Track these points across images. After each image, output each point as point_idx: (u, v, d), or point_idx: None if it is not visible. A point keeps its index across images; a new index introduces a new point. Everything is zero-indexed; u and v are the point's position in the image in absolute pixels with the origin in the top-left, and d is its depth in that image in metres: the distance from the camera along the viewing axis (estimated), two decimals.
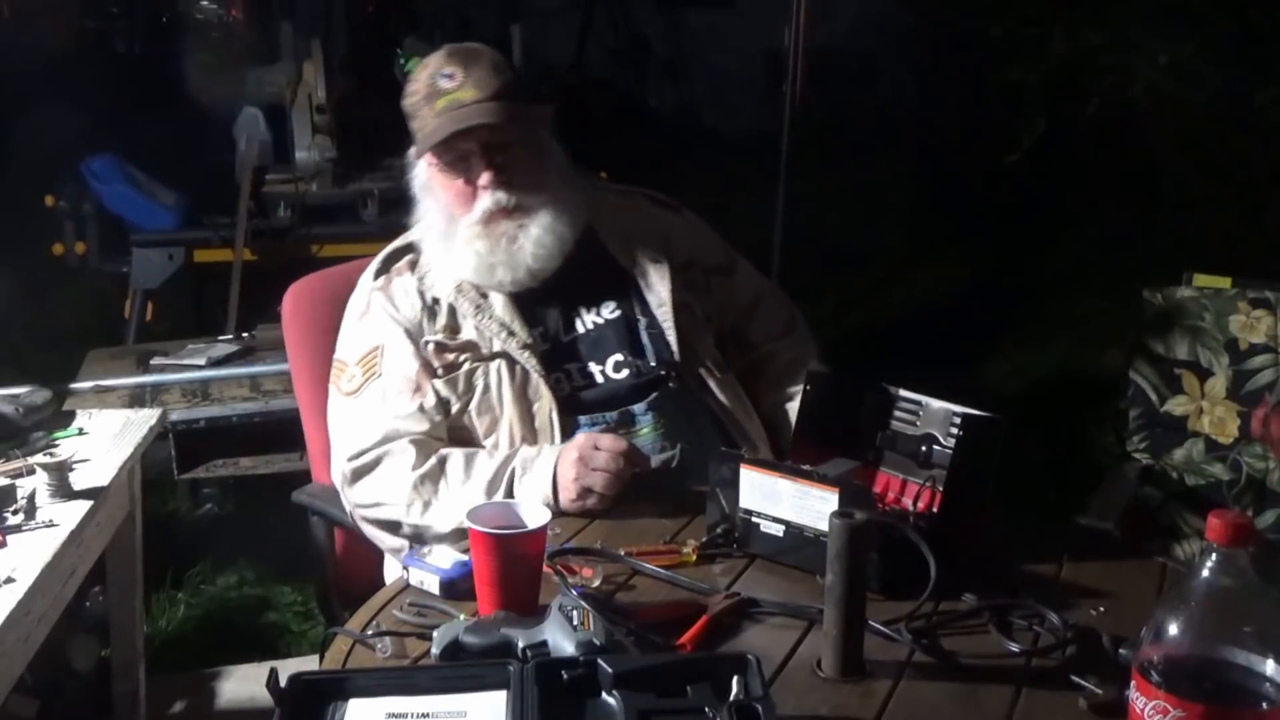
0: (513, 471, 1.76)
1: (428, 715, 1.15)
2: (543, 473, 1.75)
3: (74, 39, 6.14)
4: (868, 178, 6.18)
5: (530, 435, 1.84)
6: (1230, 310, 2.55)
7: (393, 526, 1.81)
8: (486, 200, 1.86)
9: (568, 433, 1.84)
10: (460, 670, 1.23)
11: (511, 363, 1.86)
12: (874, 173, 6.20)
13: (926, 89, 6.77)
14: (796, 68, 3.98)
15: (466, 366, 1.86)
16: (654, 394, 1.90)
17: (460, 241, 1.88)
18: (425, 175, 1.93)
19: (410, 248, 1.97)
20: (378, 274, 1.95)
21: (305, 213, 4.13)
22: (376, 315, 1.91)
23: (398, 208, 3.93)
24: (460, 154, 1.86)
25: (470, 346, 1.88)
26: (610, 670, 1.16)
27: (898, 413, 1.62)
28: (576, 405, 1.88)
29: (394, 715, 1.15)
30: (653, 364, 1.92)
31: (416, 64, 2.00)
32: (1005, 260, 5.39)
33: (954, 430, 1.55)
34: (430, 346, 1.88)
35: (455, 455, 1.79)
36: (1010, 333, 4.87)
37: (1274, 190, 4.60)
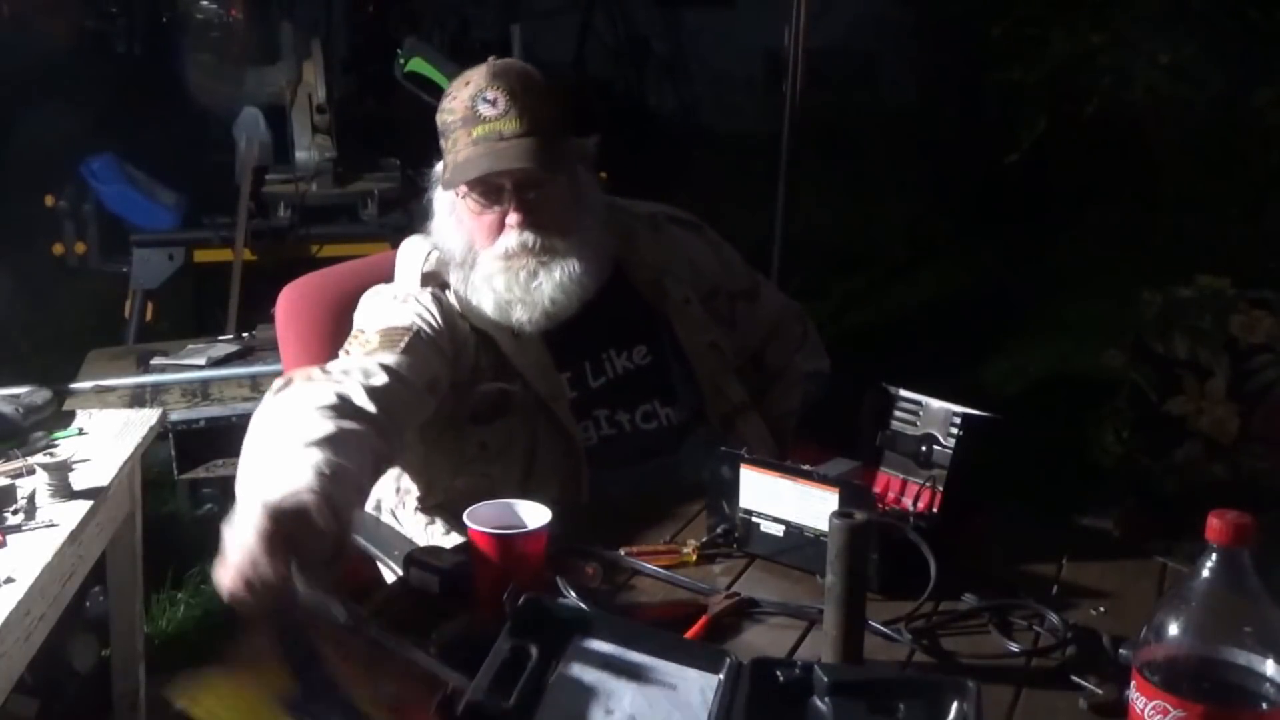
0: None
1: (641, 675, 1.19)
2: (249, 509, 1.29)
3: (74, 39, 6.14)
4: (868, 178, 6.18)
5: (560, 489, 1.79)
6: (1230, 310, 2.55)
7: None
8: (511, 239, 1.76)
9: (597, 487, 1.81)
10: (683, 643, 1.26)
11: (546, 410, 1.81)
12: (874, 173, 6.20)
13: (926, 89, 6.77)
14: (796, 68, 3.98)
15: (505, 415, 1.81)
16: (684, 443, 1.88)
17: (479, 275, 1.79)
18: (451, 199, 1.83)
19: (445, 270, 1.85)
20: (423, 283, 1.84)
21: (305, 213, 4.13)
22: (416, 308, 1.79)
23: (398, 208, 3.97)
24: (492, 187, 1.76)
25: (508, 392, 1.81)
26: (825, 678, 1.15)
27: (898, 413, 1.62)
28: (604, 457, 1.84)
29: (611, 663, 1.19)
30: (682, 414, 1.89)
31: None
32: (1005, 260, 5.39)
33: (954, 430, 1.55)
34: (477, 384, 1.80)
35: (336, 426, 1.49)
36: (1010, 333, 4.87)
37: (1274, 190, 4.60)
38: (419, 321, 1.77)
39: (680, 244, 2.00)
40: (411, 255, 1.89)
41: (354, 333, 1.78)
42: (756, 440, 1.89)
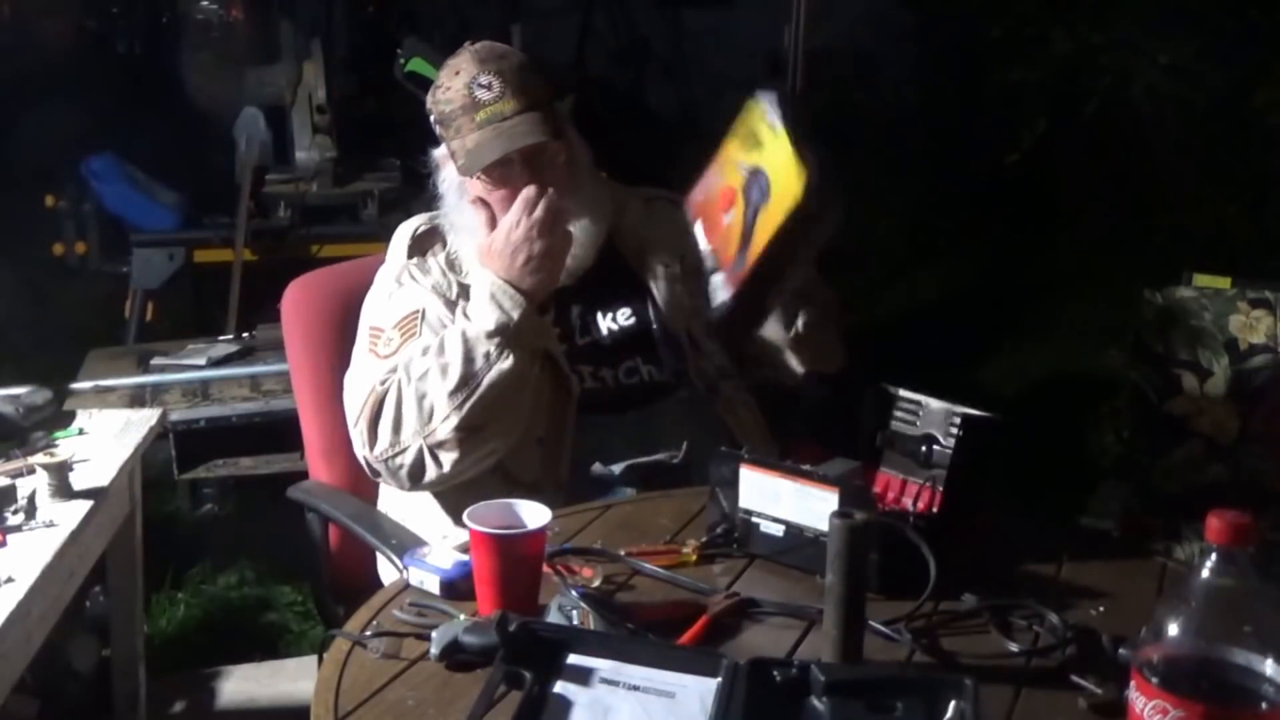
0: (464, 329, 1.77)
1: (638, 687, 1.18)
2: (482, 287, 1.78)
3: (74, 39, 6.14)
4: (868, 178, 6.17)
5: (547, 427, 1.86)
6: (1230, 310, 2.55)
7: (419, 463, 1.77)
8: None
9: (581, 431, 1.88)
10: (678, 650, 1.26)
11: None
12: (874, 173, 6.19)
13: (926, 89, 6.76)
14: (796, 68, 3.98)
15: None
16: (664, 401, 1.94)
17: None
18: (459, 182, 1.91)
19: (437, 232, 1.97)
20: (411, 252, 1.95)
21: (305, 213, 4.14)
22: (412, 286, 1.91)
23: (398, 208, 3.97)
24: (503, 163, 1.85)
25: None
26: (822, 678, 1.16)
27: (898, 413, 1.62)
28: (589, 406, 1.90)
29: (606, 679, 1.19)
30: (664, 373, 1.96)
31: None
32: (1005, 260, 5.39)
33: (954, 430, 1.55)
34: None
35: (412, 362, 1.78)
36: (1010, 333, 4.87)
37: (1274, 190, 4.60)
38: (420, 299, 1.88)
39: (670, 220, 2.04)
40: (401, 232, 2.00)
41: (372, 331, 1.89)
42: (742, 409, 1.97)
